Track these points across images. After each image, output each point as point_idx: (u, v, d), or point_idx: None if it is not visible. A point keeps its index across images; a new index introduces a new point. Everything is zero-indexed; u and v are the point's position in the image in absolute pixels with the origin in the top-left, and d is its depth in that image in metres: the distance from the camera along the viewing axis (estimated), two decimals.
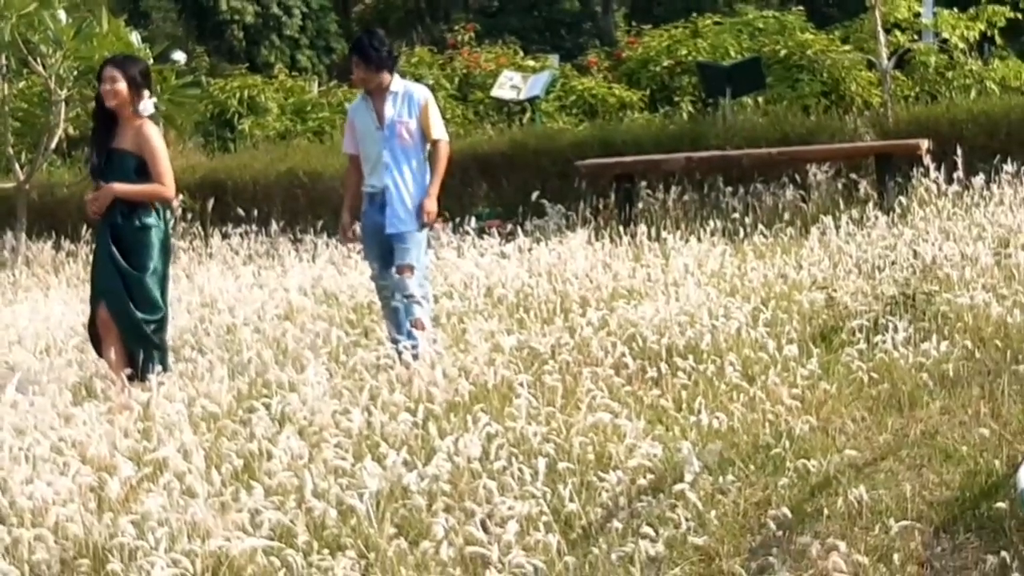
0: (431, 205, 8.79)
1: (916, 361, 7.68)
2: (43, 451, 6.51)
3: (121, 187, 8.21)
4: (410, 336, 8.39)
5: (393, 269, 8.71)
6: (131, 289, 8.23)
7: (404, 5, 43.80)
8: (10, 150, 16.66)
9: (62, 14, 14.80)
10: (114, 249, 8.24)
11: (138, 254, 8.27)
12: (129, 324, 8.21)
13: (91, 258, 8.77)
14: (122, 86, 8.27)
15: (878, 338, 8.09)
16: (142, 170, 8.24)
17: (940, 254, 10.14)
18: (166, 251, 8.49)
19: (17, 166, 16.66)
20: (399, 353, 8.09)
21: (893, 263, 10.20)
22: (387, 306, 8.87)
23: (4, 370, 8.98)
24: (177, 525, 5.47)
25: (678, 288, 9.79)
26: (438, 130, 8.88)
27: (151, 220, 8.29)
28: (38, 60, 15.55)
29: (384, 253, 8.82)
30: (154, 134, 8.32)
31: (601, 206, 14.66)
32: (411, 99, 8.85)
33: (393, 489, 5.88)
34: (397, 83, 8.91)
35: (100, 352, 8.36)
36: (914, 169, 13.64)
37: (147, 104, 8.30)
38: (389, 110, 8.79)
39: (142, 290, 8.26)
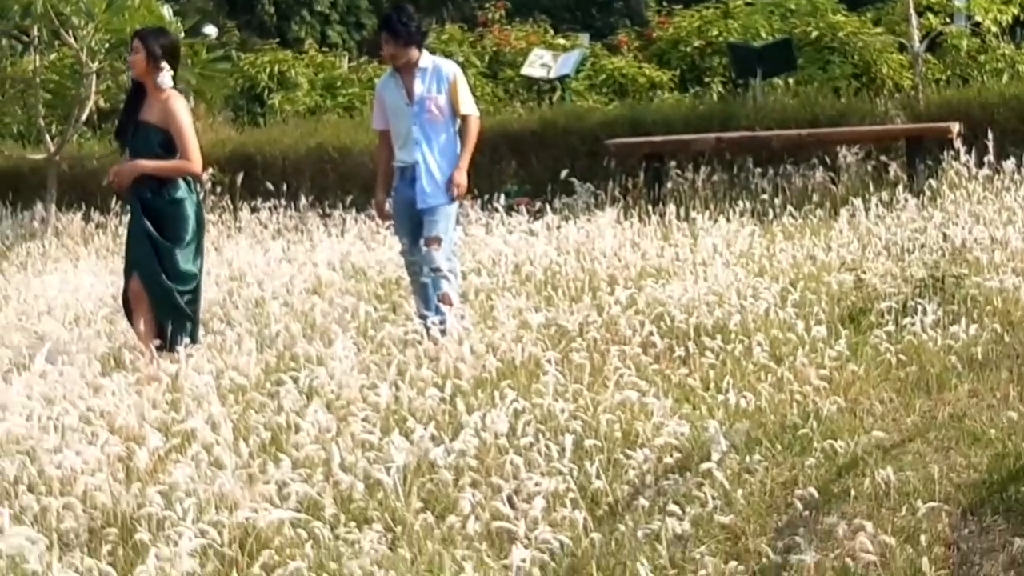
0: (461, 178, 8.78)
1: (944, 344, 7.67)
2: (72, 421, 6.55)
3: (146, 163, 8.24)
4: (438, 311, 8.40)
5: (421, 241, 8.70)
6: (164, 260, 8.26)
7: None
8: (41, 122, 16.71)
9: None
10: (147, 222, 8.26)
11: (172, 227, 8.30)
12: (161, 295, 8.24)
13: (124, 230, 8.78)
14: (140, 57, 8.31)
15: (907, 320, 8.07)
16: (168, 144, 8.26)
17: (970, 237, 10.10)
18: (200, 222, 8.52)
19: (48, 138, 16.71)
20: (427, 328, 8.10)
21: (923, 246, 10.17)
22: (416, 282, 8.88)
23: (34, 340, 9.02)
24: (205, 496, 5.49)
25: (706, 268, 9.79)
26: (468, 105, 8.87)
27: (181, 193, 8.32)
28: (70, 32, 15.58)
29: (414, 228, 8.82)
30: (180, 108, 8.33)
31: (630, 185, 14.62)
32: (440, 75, 8.85)
33: (420, 463, 5.90)
34: (426, 59, 8.90)
35: (132, 323, 8.40)
36: (945, 152, 13.57)
37: (164, 77, 8.30)
38: (418, 86, 8.79)
39: (174, 261, 8.28)
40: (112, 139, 14.98)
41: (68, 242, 14.89)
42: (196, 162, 8.31)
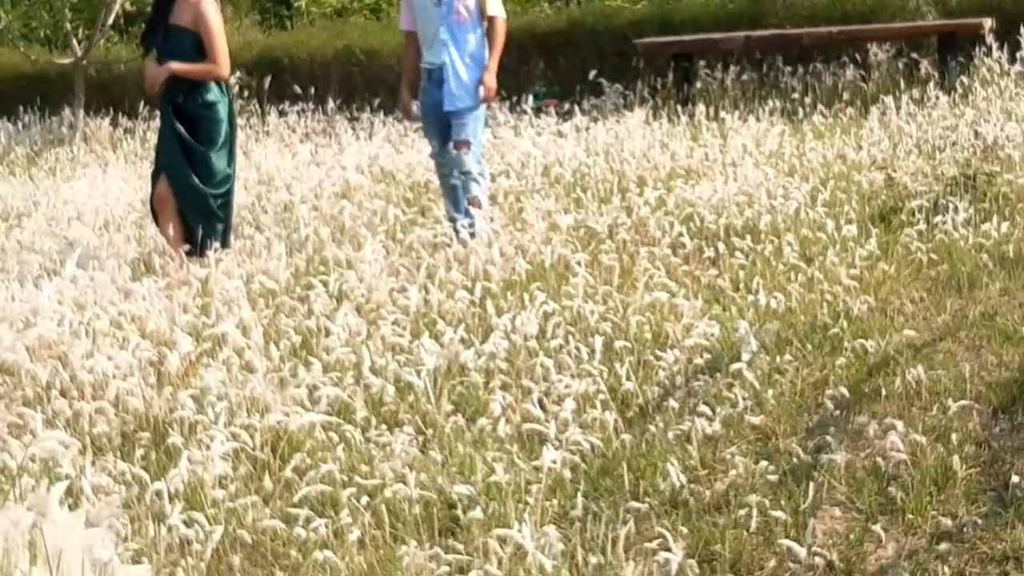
0: (491, 81, 8.64)
1: (976, 242, 7.62)
2: (103, 326, 6.60)
3: (176, 66, 8.20)
4: (467, 214, 8.37)
5: (450, 144, 8.65)
6: (197, 165, 8.24)
7: None
8: (68, 26, 16.66)
9: None
10: (179, 126, 8.24)
11: (206, 129, 8.28)
12: (194, 198, 8.23)
13: (153, 135, 8.74)
14: None
15: (938, 219, 8.03)
16: (199, 47, 8.21)
17: (1002, 135, 10.01)
18: (232, 125, 8.49)
19: (75, 42, 16.67)
20: (456, 231, 8.09)
21: (954, 143, 10.09)
22: (445, 184, 8.81)
23: (64, 246, 9.04)
24: (236, 400, 5.53)
25: (736, 168, 9.75)
26: (494, 6, 8.74)
27: (213, 96, 8.28)
28: None
29: (443, 130, 8.72)
30: (211, 10, 8.27)
31: (659, 85, 14.55)
32: None
33: (450, 366, 5.91)
34: None
35: (159, 228, 8.40)
36: (976, 48, 13.43)
37: None
38: None
39: (208, 165, 8.27)
40: (139, 43, 14.94)
41: (96, 147, 14.90)
42: (224, 66, 8.27)
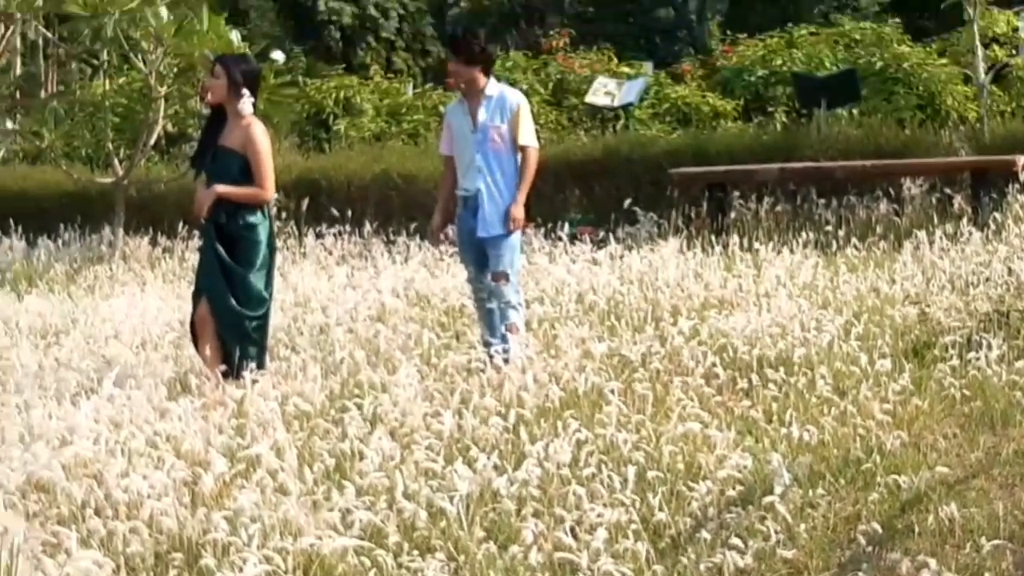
0: (518, 212, 8.72)
1: (1009, 379, 7.63)
2: (139, 445, 6.64)
3: (223, 189, 8.32)
4: (503, 340, 8.42)
5: (488, 276, 8.71)
6: (235, 286, 8.33)
7: (500, 9, 43.88)
8: (110, 145, 16.91)
9: (164, 11, 14.96)
10: (219, 247, 8.34)
11: (245, 251, 8.37)
12: (231, 320, 8.31)
13: (192, 255, 8.82)
14: (221, 82, 8.41)
15: (971, 355, 8.03)
16: (246, 170, 8.34)
17: None
18: (271, 248, 8.59)
19: (116, 161, 16.89)
20: (490, 356, 8.13)
21: (987, 280, 10.12)
22: (481, 308, 8.89)
23: (101, 364, 9.11)
24: (269, 522, 5.54)
25: (770, 299, 9.78)
26: (527, 136, 8.81)
27: (254, 219, 8.39)
28: (139, 56, 15.76)
29: (479, 257, 8.82)
30: (260, 134, 8.42)
31: (693, 215, 14.63)
32: (504, 103, 8.80)
33: (483, 492, 5.92)
34: (493, 87, 8.85)
35: (198, 349, 8.46)
36: (1010, 185, 13.50)
37: (245, 104, 8.39)
38: (482, 114, 8.75)
39: (247, 287, 8.36)
40: (185, 163, 15.16)
41: (135, 266, 15.03)
42: (270, 190, 8.41)
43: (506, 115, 8.76)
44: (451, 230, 9.15)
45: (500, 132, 8.72)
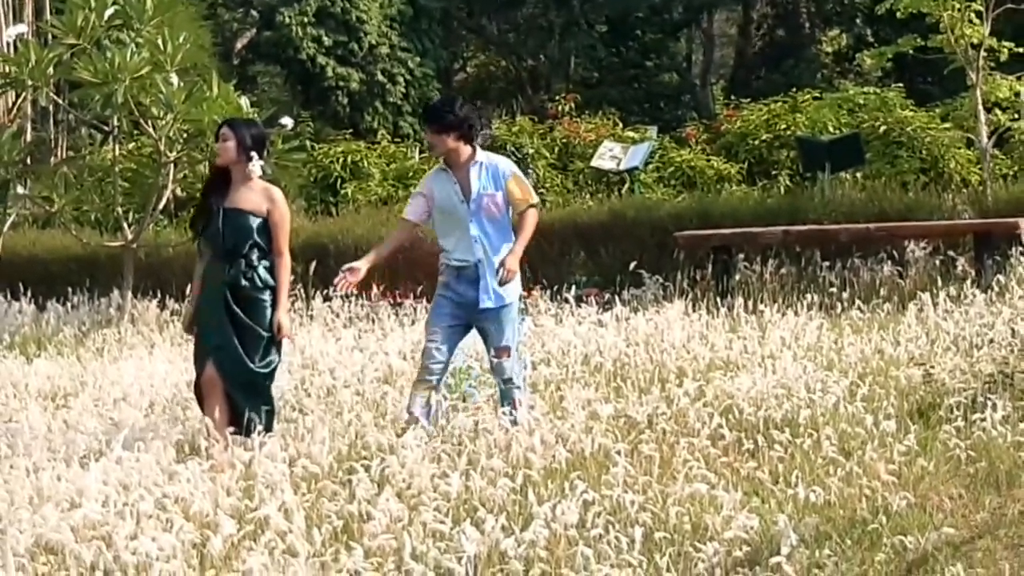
0: (513, 263, 8.45)
1: (1014, 440, 7.65)
2: (147, 507, 6.66)
3: (283, 288, 8.50)
4: (508, 402, 8.41)
5: (492, 352, 8.56)
6: (248, 345, 8.35)
7: (506, 75, 44.15)
8: (119, 210, 16.98)
9: (174, 78, 15.10)
10: (235, 306, 8.37)
11: (258, 313, 8.40)
12: (246, 378, 8.33)
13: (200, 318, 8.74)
14: (231, 144, 8.47)
15: (976, 416, 8.06)
16: (264, 230, 8.41)
17: None
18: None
19: (125, 226, 16.97)
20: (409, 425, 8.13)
21: (991, 341, 10.16)
22: (425, 379, 8.55)
23: (110, 426, 9.15)
24: None
25: (775, 361, 9.81)
26: (533, 195, 8.77)
27: (271, 282, 8.45)
28: (149, 123, 15.87)
29: (460, 326, 8.62)
30: (283, 199, 8.51)
31: (698, 277, 14.69)
32: (497, 171, 8.62)
33: (491, 554, 5.95)
34: (480, 155, 8.65)
35: (205, 410, 8.46)
36: (1013, 248, 13.56)
37: (256, 166, 8.46)
38: (475, 183, 8.55)
39: (260, 346, 8.39)
40: (188, 228, 15.22)
41: (144, 329, 15.08)
42: (287, 255, 8.53)
43: (500, 183, 8.59)
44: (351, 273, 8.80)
45: (495, 200, 8.56)
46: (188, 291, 8.92)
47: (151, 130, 15.95)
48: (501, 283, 8.45)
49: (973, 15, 17.54)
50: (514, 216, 8.80)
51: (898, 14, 18.56)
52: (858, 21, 37.96)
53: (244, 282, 8.39)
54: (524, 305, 12.77)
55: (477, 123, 8.72)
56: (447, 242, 8.68)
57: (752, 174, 21.36)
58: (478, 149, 8.69)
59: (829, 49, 40.60)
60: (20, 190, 16.73)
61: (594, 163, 21.13)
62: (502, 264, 8.46)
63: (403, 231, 9.02)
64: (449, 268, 8.67)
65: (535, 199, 8.82)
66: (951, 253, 14.34)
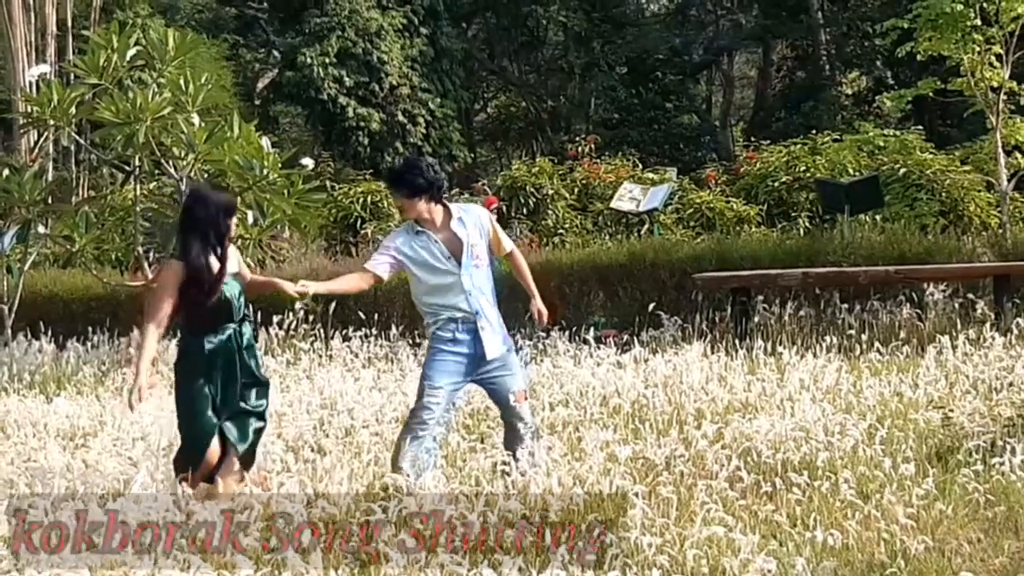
0: (543, 305, 8.69)
1: None
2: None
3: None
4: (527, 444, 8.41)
5: (510, 397, 8.44)
6: (263, 395, 8.42)
7: (526, 116, 44.34)
8: (139, 249, 17.03)
9: (195, 118, 15.16)
10: (245, 354, 8.41)
11: (257, 363, 8.52)
12: (264, 422, 8.42)
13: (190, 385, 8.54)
14: None
15: (995, 460, 8.05)
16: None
17: None
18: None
19: (145, 265, 17.02)
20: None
21: (1010, 384, 10.15)
22: (420, 435, 8.28)
23: (128, 466, 9.18)
24: None
25: (793, 403, 9.82)
26: (509, 242, 8.83)
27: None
28: (170, 162, 15.93)
29: (463, 384, 8.52)
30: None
31: (717, 319, 14.69)
32: (479, 222, 8.59)
33: None
34: (455, 209, 8.61)
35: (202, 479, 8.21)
36: None
37: None
38: (464, 239, 8.46)
39: (265, 393, 8.49)
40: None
41: (163, 368, 15.10)
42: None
43: (483, 233, 8.59)
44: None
45: (480, 250, 8.53)
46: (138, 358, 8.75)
47: (172, 170, 15.99)
48: (543, 330, 8.50)
49: (993, 58, 17.59)
50: (503, 262, 8.90)
51: (918, 56, 18.62)
52: (878, 63, 38.12)
53: (250, 334, 8.50)
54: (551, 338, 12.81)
55: (445, 182, 8.71)
56: (438, 298, 8.49)
57: (771, 216, 21.39)
58: (448, 204, 8.61)
59: (849, 91, 40.76)
60: (41, 229, 16.80)
61: (614, 204, 21.20)
62: (539, 312, 8.69)
63: (364, 280, 8.64)
64: (449, 322, 8.48)
65: (511, 245, 8.87)
66: (970, 296, 14.34)
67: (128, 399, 8.25)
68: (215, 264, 8.22)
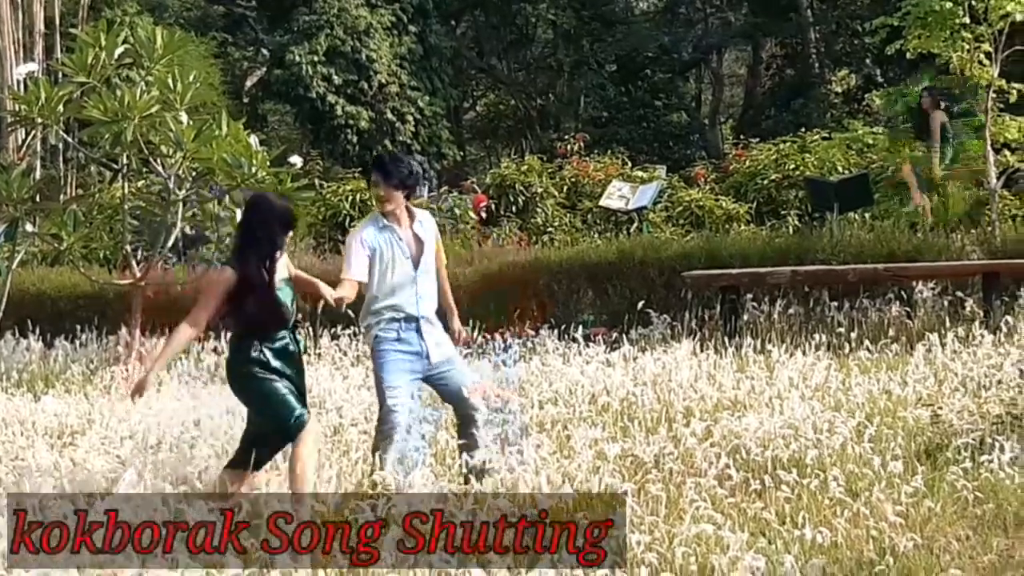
0: (460, 324, 8.95)
1: (1022, 481, 7.64)
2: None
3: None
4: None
5: (463, 391, 8.48)
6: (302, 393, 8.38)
7: (515, 114, 44.34)
8: (127, 247, 17.00)
9: (184, 116, 15.12)
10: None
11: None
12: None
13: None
14: None
15: (984, 457, 8.06)
16: None
17: None
18: None
19: (134, 263, 16.98)
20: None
21: (999, 382, 10.16)
22: (391, 435, 8.32)
23: (117, 464, 9.16)
24: None
25: (782, 401, 9.81)
26: (442, 255, 8.90)
27: None
28: (158, 160, 15.89)
29: (419, 378, 8.55)
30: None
31: (706, 317, 14.68)
32: (434, 229, 8.73)
33: None
34: (417, 211, 8.69)
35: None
36: (1021, 288, 13.58)
37: None
38: (424, 241, 8.57)
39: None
40: (201, 265, 15.25)
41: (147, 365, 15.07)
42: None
43: (436, 240, 8.72)
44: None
45: (431, 257, 8.62)
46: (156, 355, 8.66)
47: (160, 168, 15.96)
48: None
49: (983, 56, 17.59)
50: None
51: (908, 54, 18.62)
52: (867, 61, 38.14)
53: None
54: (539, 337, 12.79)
55: (423, 188, 8.78)
56: (387, 297, 8.46)
57: (760, 214, 21.41)
58: (410, 207, 8.65)
59: (838, 89, 40.78)
60: (29, 227, 16.73)
61: (603, 202, 21.20)
62: (456, 331, 8.91)
63: (352, 290, 8.48)
64: (392, 322, 8.47)
65: (442, 258, 8.92)
66: (959, 294, 14.32)
67: (132, 392, 8.13)
68: (266, 275, 8.14)
